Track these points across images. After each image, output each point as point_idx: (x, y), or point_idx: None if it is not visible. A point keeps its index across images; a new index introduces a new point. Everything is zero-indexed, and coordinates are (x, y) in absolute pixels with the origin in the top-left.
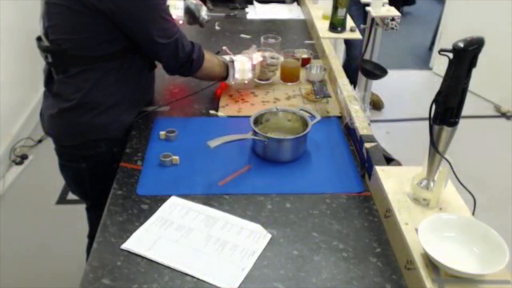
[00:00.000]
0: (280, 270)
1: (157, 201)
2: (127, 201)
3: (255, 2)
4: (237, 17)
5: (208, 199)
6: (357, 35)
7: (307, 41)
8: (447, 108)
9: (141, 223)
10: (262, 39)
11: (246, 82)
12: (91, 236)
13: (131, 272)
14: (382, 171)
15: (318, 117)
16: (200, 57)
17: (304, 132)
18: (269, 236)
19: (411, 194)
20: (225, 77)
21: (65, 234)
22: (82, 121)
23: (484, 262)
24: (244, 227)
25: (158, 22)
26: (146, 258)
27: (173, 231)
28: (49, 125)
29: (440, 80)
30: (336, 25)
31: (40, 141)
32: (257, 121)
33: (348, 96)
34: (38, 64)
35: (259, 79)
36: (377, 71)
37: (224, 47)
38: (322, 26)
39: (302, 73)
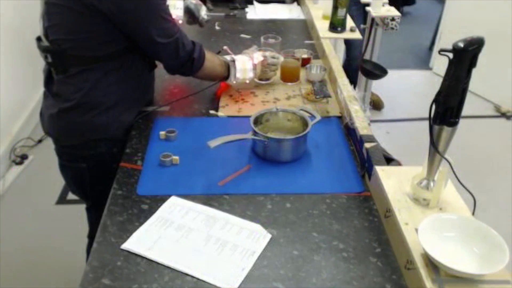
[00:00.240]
0: (280, 270)
1: (157, 201)
2: (127, 201)
3: (255, 2)
4: (237, 17)
5: (208, 199)
6: (357, 35)
7: (307, 41)
8: (447, 108)
9: (141, 223)
10: (262, 39)
11: (247, 81)
12: (91, 236)
13: (131, 272)
14: (382, 171)
15: (318, 117)
16: (201, 57)
17: (304, 132)
18: (269, 236)
19: (411, 194)
20: (227, 77)
21: (65, 234)
22: (82, 121)
23: (484, 262)
24: (244, 227)
25: (158, 21)
26: (146, 258)
27: (173, 231)
28: (49, 125)
29: (440, 80)
30: (336, 25)
31: (40, 141)
32: (257, 121)
33: (348, 96)
34: (38, 64)
35: (259, 79)
36: (377, 71)
37: (225, 47)
38: (322, 26)
39: (302, 73)
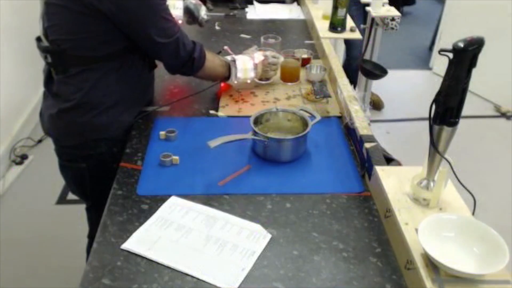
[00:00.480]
0: (280, 270)
1: (157, 201)
2: (127, 201)
3: (255, 2)
4: (237, 17)
5: (208, 199)
6: (357, 35)
7: (307, 41)
8: (447, 108)
9: (141, 223)
10: (262, 39)
11: (248, 81)
12: (91, 236)
13: (131, 272)
14: (382, 171)
15: (318, 117)
16: (202, 57)
17: (304, 132)
18: (269, 236)
19: (411, 194)
20: (228, 77)
21: (65, 234)
22: (82, 121)
23: (484, 262)
24: (244, 227)
25: (158, 21)
26: (146, 258)
27: (173, 231)
28: (49, 125)
29: (440, 80)
30: (336, 25)
31: (40, 141)
32: (257, 121)
33: (348, 96)
34: (38, 64)
35: (260, 79)
36: (377, 71)
37: (225, 47)
38: (322, 26)
39: (302, 73)
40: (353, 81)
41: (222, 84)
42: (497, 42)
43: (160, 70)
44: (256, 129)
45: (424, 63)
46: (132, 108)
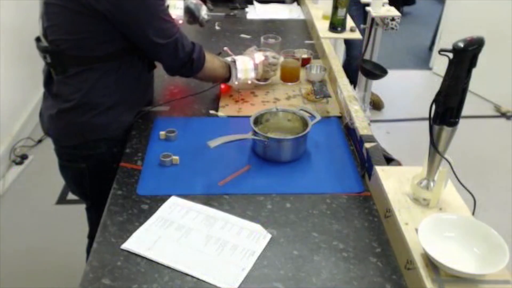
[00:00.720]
0: (280, 270)
1: (157, 201)
2: (127, 201)
3: (255, 2)
4: (237, 17)
5: (208, 199)
6: (357, 35)
7: (307, 41)
8: (447, 108)
9: (141, 223)
10: (262, 39)
11: (249, 82)
12: (91, 236)
13: (131, 272)
14: (382, 171)
15: (318, 117)
16: (201, 58)
17: (304, 132)
18: (269, 236)
19: (411, 194)
20: (228, 78)
21: (65, 234)
22: (81, 121)
23: (484, 262)
24: (244, 227)
25: (157, 22)
26: (146, 258)
27: (173, 231)
28: (49, 125)
29: (440, 80)
30: (336, 25)
31: (40, 141)
32: (257, 121)
33: (348, 96)
34: (38, 64)
35: (258, 80)
36: (377, 71)
37: (225, 48)
38: (322, 26)
39: (302, 73)
40: (353, 81)
41: (223, 86)
42: (497, 42)
43: (160, 70)
44: (256, 129)
45: (424, 63)
46: (132, 108)
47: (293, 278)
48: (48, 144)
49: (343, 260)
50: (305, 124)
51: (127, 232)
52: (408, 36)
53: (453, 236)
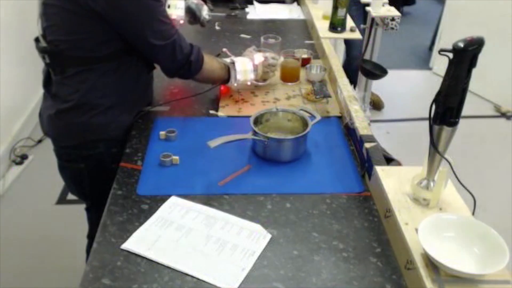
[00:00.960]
0: (280, 270)
1: (157, 201)
2: (127, 201)
3: (255, 2)
4: (238, 18)
5: (208, 199)
6: (357, 35)
7: (307, 41)
8: (447, 108)
9: (141, 223)
10: (262, 39)
11: (248, 83)
12: (91, 236)
13: (131, 272)
14: (382, 171)
15: (318, 117)
16: (199, 59)
17: (304, 132)
18: (269, 236)
19: (411, 194)
20: (227, 79)
21: (65, 234)
22: (80, 121)
23: (484, 262)
24: (244, 227)
25: (154, 23)
26: (146, 258)
27: (173, 231)
28: (48, 126)
29: (440, 80)
30: (336, 25)
31: (40, 141)
32: (257, 121)
33: (348, 96)
34: (38, 64)
35: (257, 80)
36: (377, 71)
37: (224, 49)
38: (322, 26)
39: (302, 73)
40: (353, 81)
41: (222, 88)
42: (497, 42)
43: (160, 70)
44: (256, 129)
45: (424, 63)
46: (131, 108)
47: (293, 278)
48: (48, 144)
49: (343, 260)
50: (305, 124)
51: (127, 232)
52: (408, 36)
53: (453, 236)
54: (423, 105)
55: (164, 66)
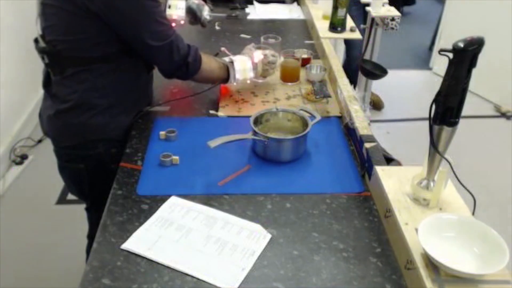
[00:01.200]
0: (280, 270)
1: (157, 201)
2: (127, 201)
3: (255, 2)
4: (239, 18)
5: (208, 199)
6: (357, 35)
7: (307, 41)
8: (447, 108)
9: (141, 223)
10: (262, 39)
11: (248, 82)
12: (91, 236)
13: (131, 272)
14: (382, 171)
15: (318, 117)
16: (197, 60)
17: (304, 132)
18: (269, 236)
19: (411, 194)
20: (226, 79)
21: (65, 234)
22: (78, 122)
23: (484, 262)
24: (244, 227)
25: (151, 24)
26: (146, 258)
27: (173, 231)
28: (48, 126)
29: (440, 80)
30: (336, 25)
31: (40, 141)
32: (257, 121)
33: (348, 96)
34: (38, 64)
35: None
36: (377, 71)
37: (222, 48)
38: (322, 26)
39: (302, 73)
40: (353, 81)
41: (222, 88)
42: (497, 42)
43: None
44: (256, 129)
45: (424, 63)
46: (130, 109)
47: (293, 278)
48: (48, 144)
49: (343, 260)
50: (305, 124)
51: (127, 232)
52: (408, 36)
53: (453, 236)
54: (423, 105)
55: (161, 67)
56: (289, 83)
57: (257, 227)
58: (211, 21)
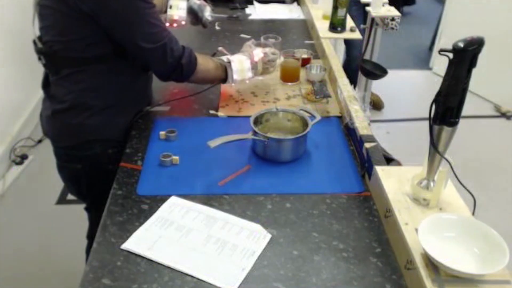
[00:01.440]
0: (280, 270)
1: (157, 201)
2: (127, 201)
3: (255, 2)
4: (240, 19)
5: (208, 199)
6: (357, 35)
7: (307, 41)
8: (447, 108)
9: (141, 223)
10: (262, 39)
11: (247, 81)
12: (91, 236)
13: (131, 272)
14: (382, 171)
15: (318, 117)
16: (192, 62)
17: (304, 132)
18: (269, 236)
19: (411, 194)
20: (224, 79)
21: (65, 234)
22: (75, 122)
23: (484, 262)
24: (244, 227)
25: (144, 26)
26: (146, 258)
27: (173, 231)
28: (47, 126)
29: (440, 80)
30: (336, 25)
31: (40, 141)
32: (257, 121)
33: (348, 96)
34: (38, 64)
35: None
36: (377, 71)
37: (220, 48)
38: (322, 26)
39: (302, 73)
40: (353, 81)
41: (222, 89)
42: (497, 43)
43: None
44: (256, 129)
45: (424, 63)
46: (128, 110)
47: (293, 278)
48: (48, 144)
49: (343, 260)
50: (305, 124)
51: (127, 232)
52: (408, 36)
53: (453, 236)
54: (423, 105)
55: (155, 69)
56: (289, 83)
57: (257, 227)
58: (212, 21)
